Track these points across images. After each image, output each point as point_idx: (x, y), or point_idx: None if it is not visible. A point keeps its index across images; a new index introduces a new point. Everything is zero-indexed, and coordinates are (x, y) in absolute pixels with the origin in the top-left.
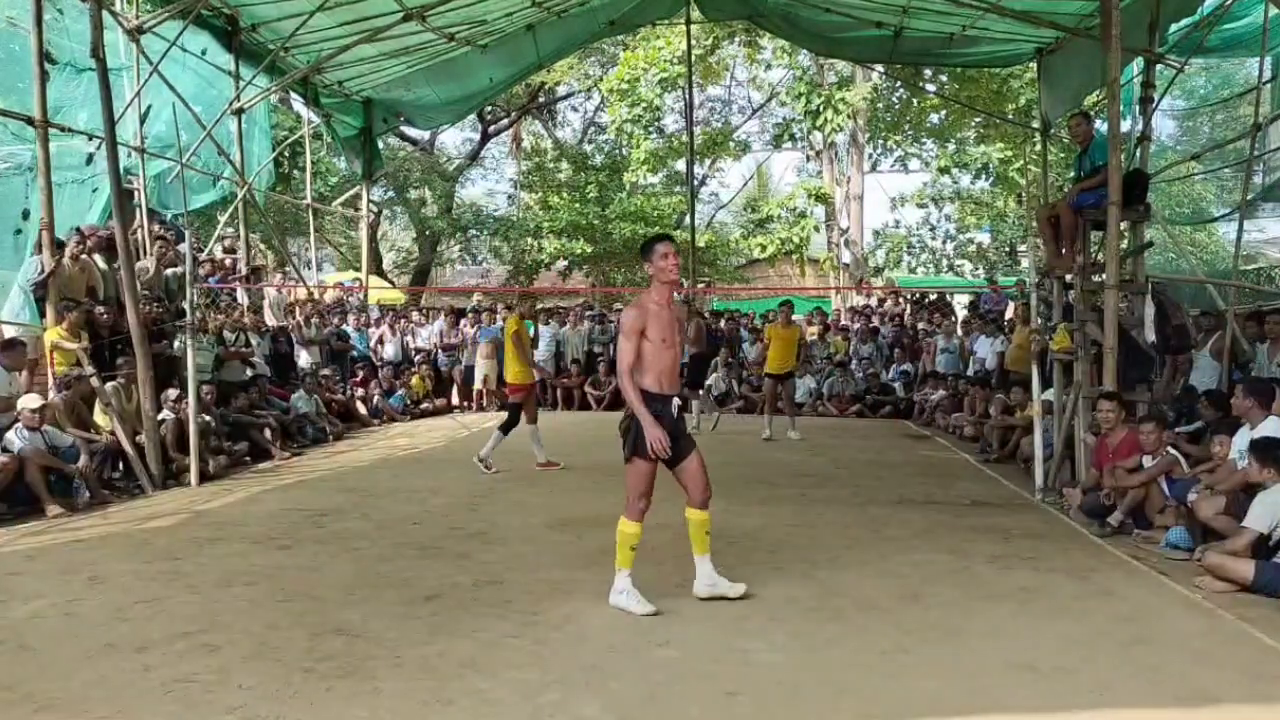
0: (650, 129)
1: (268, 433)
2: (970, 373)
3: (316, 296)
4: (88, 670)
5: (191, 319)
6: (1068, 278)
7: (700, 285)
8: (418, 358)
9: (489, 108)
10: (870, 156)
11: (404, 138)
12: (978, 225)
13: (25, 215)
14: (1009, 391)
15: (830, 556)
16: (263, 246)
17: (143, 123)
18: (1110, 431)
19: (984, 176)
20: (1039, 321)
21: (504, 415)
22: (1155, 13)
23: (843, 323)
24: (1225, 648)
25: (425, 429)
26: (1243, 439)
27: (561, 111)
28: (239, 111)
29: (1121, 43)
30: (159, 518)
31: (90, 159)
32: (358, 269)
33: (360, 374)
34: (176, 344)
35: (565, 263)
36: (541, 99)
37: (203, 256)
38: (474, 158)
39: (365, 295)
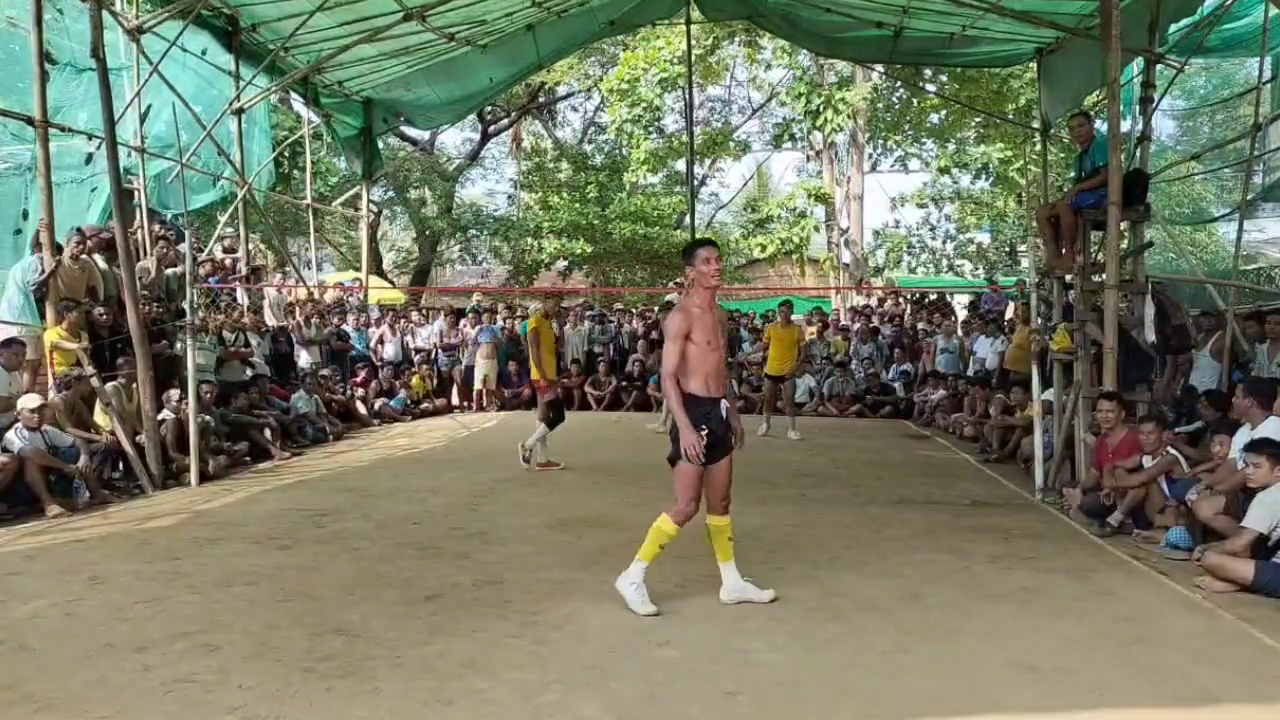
0: (650, 129)
1: (268, 433)
2: (970, 373)
3: (316, 296)
4: (88, 670)
5: (192, 319)
6: (1068, 278)
7: None
8: (417, 358)
9: (489, 108)
10: (870, 156)
11: (404, 138)
12: (978, 225)
13: (25, 215)
14: (1009, 391)
15: (830, 556)
16: (263, 246)
17: (143, 122)
18: (1110, 431)
19: (984, 176)
20: (1039, 321)
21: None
22: (1155, 13)
23: (843, 323)
24: (1225, 648)
25: (425, 429)
26: (1243, 439)
27: (561, 111)
28: (239, 111)
29: (1121, 43)
30: (159, 518)
31: (89, 159)
32: (358, 269)
33: (360, 374)
34: (178, 344)
35: (565, 263)
36: (541, 99)
37: (202, 256)
38: (474, 158)
39: (365, 295)
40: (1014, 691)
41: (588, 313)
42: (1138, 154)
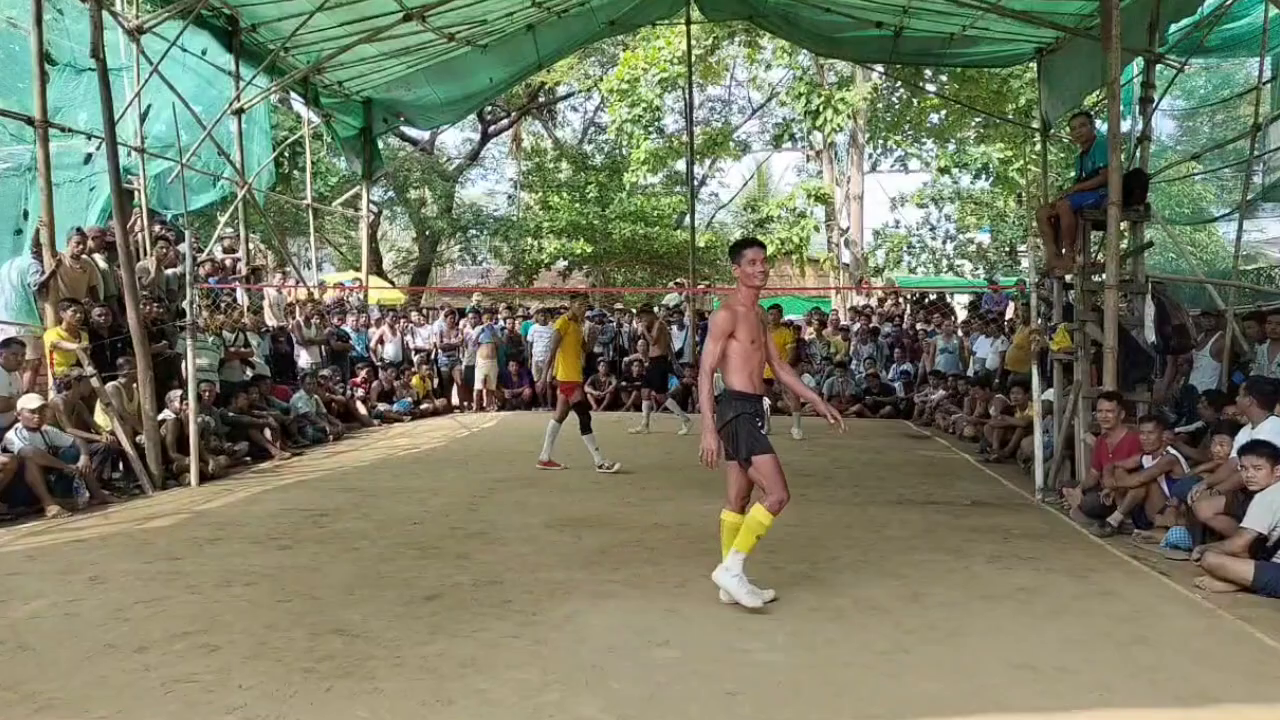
0: (650, 129)
1: (267, 433)
2: (970, 373)
3: (316, 296)
4: (88, 670)
5: (192, 319)
6: (1068, 278)
7: (701, 285)
8: (417, 358)
9: (489, 108)
10: (870, 156)
11: (404, 138)
12: (978, 225)
13: (25, 216)
14: (1009, 391)
15: (830, 556)
16: (263, 246)
17: (143, 122)
18: (1110, 431)
19: (984, 176)
20: (1039, 321)
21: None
22: (1155, 13)
23: (843, 323)
24: (1225, 648)
25: (425, 429)
26: (1245, 439)
27: (561, 111)
28: (239, 111)
29: (1121, 43)
30: (159, 518)
31: (89, 159)
32: (358, 269)
33: (360, 374)
34: (179, 344)
35: (565, 263)
36: (541, 99)
37: (202, 257)
38: (474, 158)
39: (365, 295)
40: (1014, 691)
41: (588, 313)
42: (1138, 154)
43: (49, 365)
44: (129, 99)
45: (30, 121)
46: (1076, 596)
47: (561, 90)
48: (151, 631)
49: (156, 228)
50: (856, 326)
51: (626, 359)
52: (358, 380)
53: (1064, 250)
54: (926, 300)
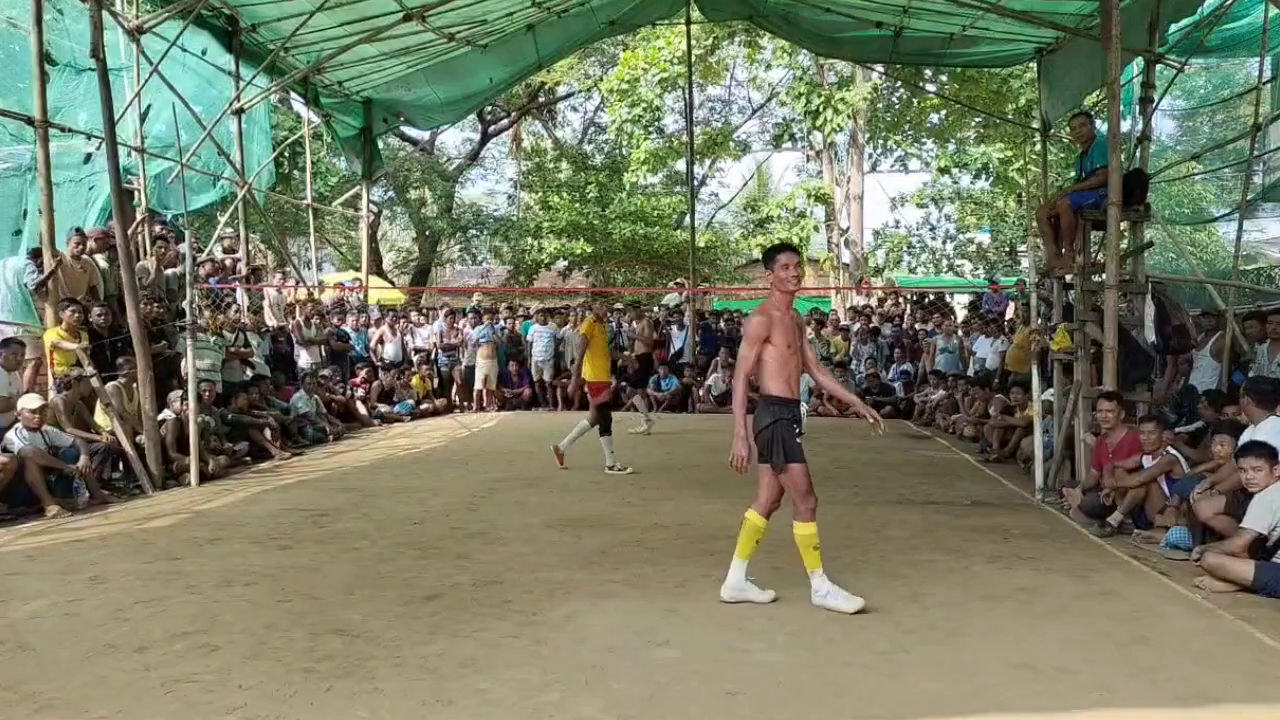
0: (650, 129)
1: (267, 433)
2: (970, 373)
3: (316, 296)
4: (88, 670)
5: (192, 319)
6: (1068, 278)
7: (701, 285)
8: (417, 358)
9: (489, 108)
10: (870, 156)
11: (404, 138)
12: (978, 225)
13: (24, 216)
14: (1009, 391)
15: (830, 556)
16: (263, 246)
17: (143, 122)
18: (1110, 431)
19: (984, 176)
20: (1039, 321)
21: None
22: (1155, 13)
23: (843, 323)
24: (1225, 648)
25: (425, 429)
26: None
27: (561, 111)
28: (239, 111)
29: (1121, 43)
30: (159, 518)
31: (88, 159)
32: (358, 269)
33: (360, 374)
34: (180, 344)
35: (565, 263)
36: (541, 99)
37: (202, 257)
38: (474, 158)
39: (365, 295)
40: (1014, 691)
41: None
42: (1138, 154)
43: (49, 365)
44: (129, 99)
45: (30, 121)
46: (1076, 596)
47: (561, 90)
48: (151, 631)
49: (157, 228)
50: (856, 326)
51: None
52: (357, 380)
53: (1064, 250)
54: (926, 300)
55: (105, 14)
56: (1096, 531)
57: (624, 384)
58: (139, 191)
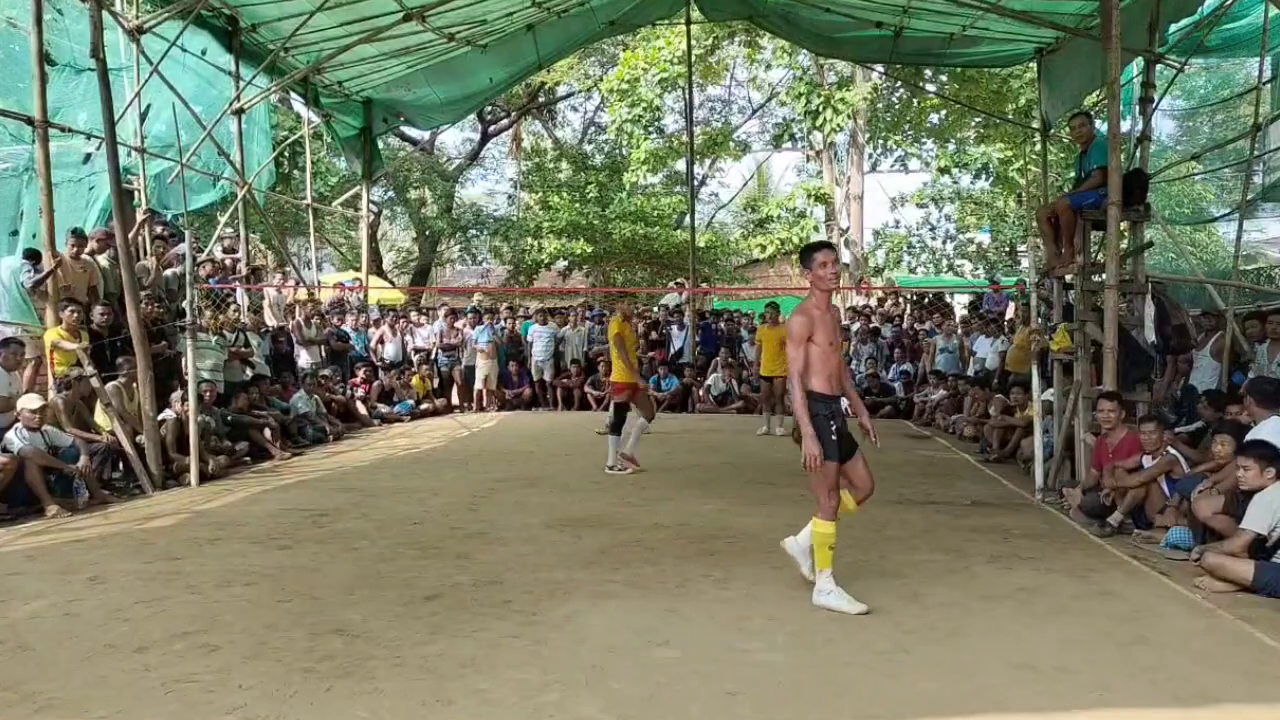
0: (650, 129)
1: (267, 433)
2: (970, 373)
3: (316, 296)
4: (88, 670)
5: (192, 319)
6: (1068, 278)
7: (701, 285)
8: (417, 358)
9: (489, 108)
10: (870, 156)
11: (404, 138)
12: (978, 225)
13: (21, 216)
14: (1009, 391)
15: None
16: (263, 246)
17: (143, 122)
18: (1110, 431)
19: (984, 176)
20: (1039, 321)
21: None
22: (1155, 13)
23: (843, 322)
24: (1225, 648)
25: (425, 429)
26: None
27: (561, 111)
28: (239, 111)
29: (1121, 43)
30: (159, 518)
31: (88, 159)
32: (358, 269)
33: (360, 374)
34: (181, 344)
35: (565, 263)
36: (541, 99)
37: (202, 257)
38: (474, 158)
39: (365, 295)
40: (1014, 691)
41: (588, 313)
42: (1137, 154)
43: (49, 365)
44: (129, 99)
45: (30, 121)
46: (1076, 596)
47: (561, 90)
48: (151, 631)
49: (158, 229)
50: (856, 326)
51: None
52: (357, 380)
53: (1064, 250)
54: (926, 300)
55: (105, 14)
56: (1096, 531)
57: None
58: (139, 191)
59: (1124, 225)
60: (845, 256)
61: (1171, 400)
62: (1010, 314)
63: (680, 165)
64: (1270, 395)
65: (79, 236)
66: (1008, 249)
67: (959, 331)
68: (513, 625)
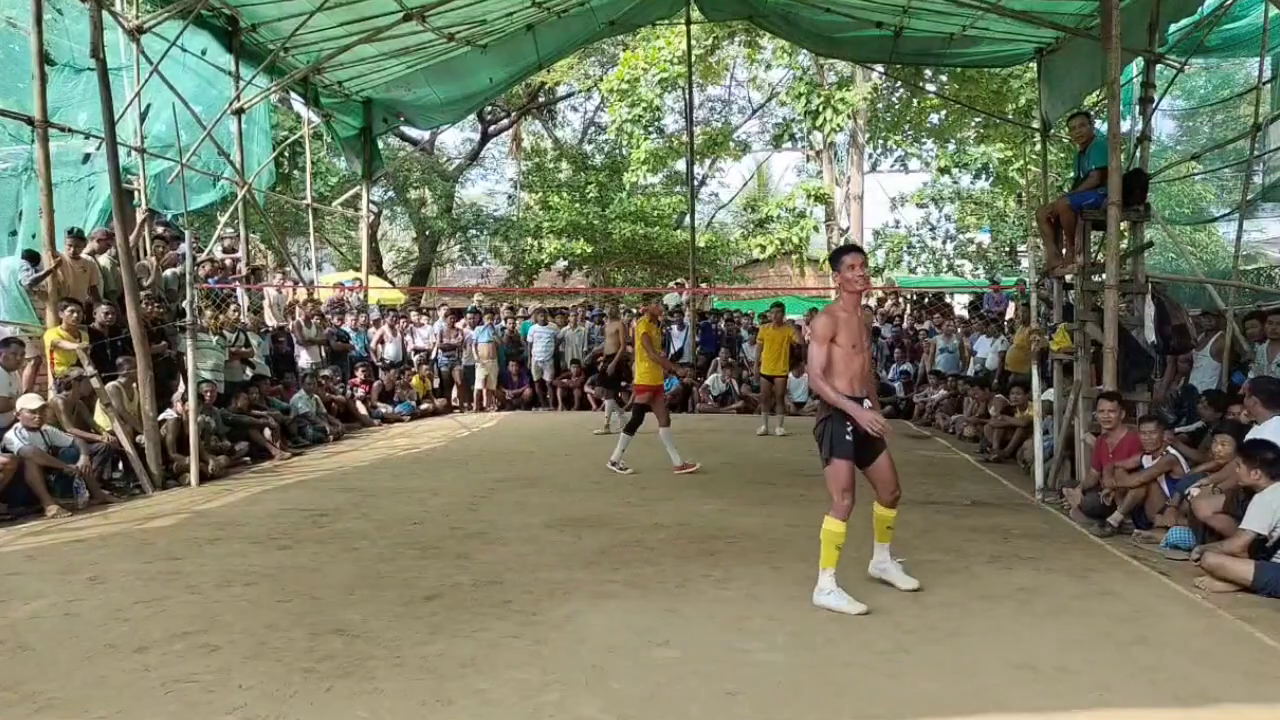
0: (650, 129)
1: (267, 433)
2: (970, 373)
3: (315, 297)
4: (88, 670)
5: (192, 319)
6: (1068, 278)
7: (701, 285)
8: (417, 358)
9: (489, 108)
10: (870, 156)
11: (404, 138)
12: (978, 225)
13: (20, 216)
14: (1009, 391)
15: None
16: (263, 246)
17: (143, 122)
18: (1110, 431)
19: (984, 176)
20: (1039, 321)
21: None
22: (1155, 13)
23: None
24: (1225, 648)
25: (425, 429)
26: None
27: (561, 111)
28: (239, 111)
29: (1121, 43)
30: (159, 518)
31: (87, 158)
32: (358, 269)
33: (360, 374)
34: (181, 344)
35: (565, 263)
36: (541, 99)
37: (202, 257)
38: (474, 158)
39: (365, 295)
40: (1014, 691)
41: (588, 313)
42: (1137, 154)
43: (49, 365)
44: (129, 99)
45: (30, 121)
46: (1076, 596)
47: (561, 90)
48: (151, 631)
49: (158, 228)
50: None
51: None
52: (357, 380)
53: (1064, 250)
54: (926, 300)
55: (105, 14)
56: (1096, 531)
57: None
58: (139, 191)
59: (1124, 225)
60: None
61: (1171, 400)
62: (1010, 314)
63: (680, 165)
64: (1275, 396)
65: (76, 236)
66: (1008, 249)
67: (959, 331)
68: (513, 625)
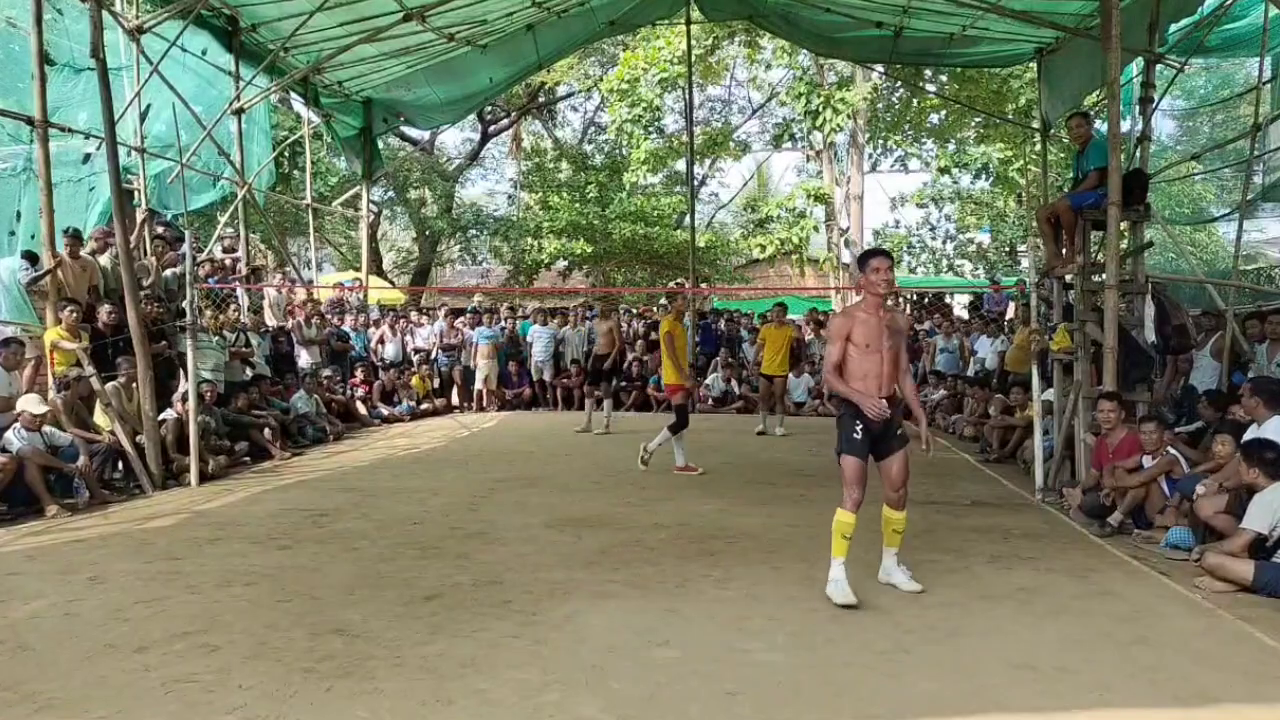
0: (650, 129)
1: (267, 433)
2: (970, 373)
3: (314, 297)
4: (88, 670)
5: (192, 319)
6: (1068, 278)
7: (701, 285)
8: (417, 358)
9: (489, 108)
10: (870, 156)
11: (404, 138)
12: (978, 225)
13: (19, 216)
14: (1009, 391)
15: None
16: (263, 246)
17: (143, 122)
18: (1110, 431)
19: (984, 176)
20: (1039, 322)
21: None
22: (1155, 13)
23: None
24: (1225, 648)
25: (425, 429)
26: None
27: (561, 111)
28: (239, 111)
29: (1121, 43)
30: (159, 518)
31: (87, 158)
32: (358, 269)
33: (360, 374)
34: (181, 344)
35: (565, 263)
36: (541, 99)
37: (202, 257)
38: (474, 158)
39: (365, 295)
40: (1014, 691)
41: (588, 313)
42: (1137, 154)
43: (49, 365)
44: (129, 99)
45: (30, 121)
46: (1076, 596)
47: (561, 90)
48: (151, 631)
49: (158, 228)
50: None
51: (631, 358)
52: (357, 380)
53: (1064, 250)
54: (926, 300)
55: (105, 14)
56: (1096, 531)
57: (624, 384)
58: (139, 191)
59: (1124, 225)
60: (845, 257)
61: (1171, 400)
62: (1010, 314)
63: (680, 165)
64: (1276, 396)
65: (73, 236)
66: (1008, 249)
67: (959, 331)
68: (513, 625)
